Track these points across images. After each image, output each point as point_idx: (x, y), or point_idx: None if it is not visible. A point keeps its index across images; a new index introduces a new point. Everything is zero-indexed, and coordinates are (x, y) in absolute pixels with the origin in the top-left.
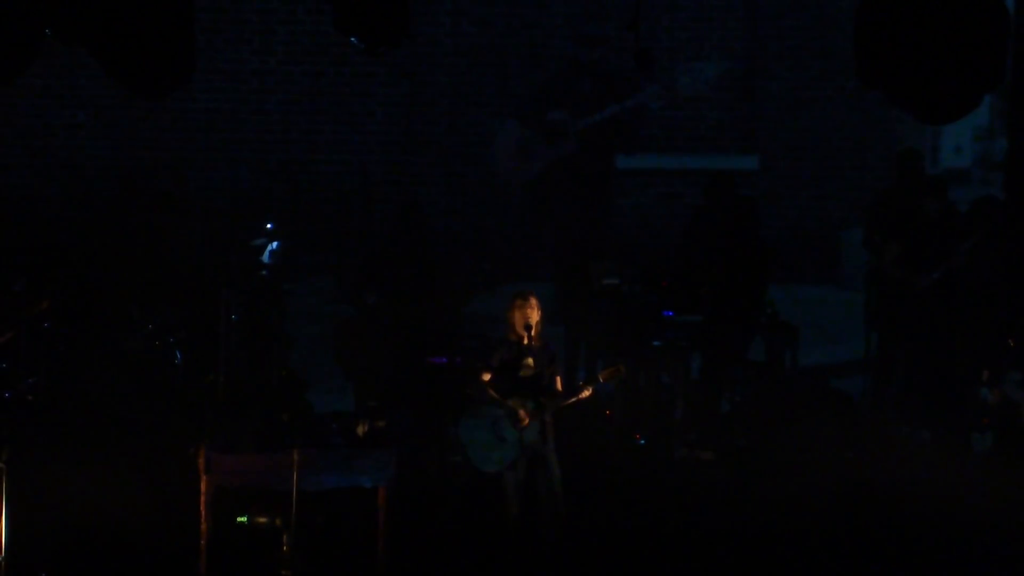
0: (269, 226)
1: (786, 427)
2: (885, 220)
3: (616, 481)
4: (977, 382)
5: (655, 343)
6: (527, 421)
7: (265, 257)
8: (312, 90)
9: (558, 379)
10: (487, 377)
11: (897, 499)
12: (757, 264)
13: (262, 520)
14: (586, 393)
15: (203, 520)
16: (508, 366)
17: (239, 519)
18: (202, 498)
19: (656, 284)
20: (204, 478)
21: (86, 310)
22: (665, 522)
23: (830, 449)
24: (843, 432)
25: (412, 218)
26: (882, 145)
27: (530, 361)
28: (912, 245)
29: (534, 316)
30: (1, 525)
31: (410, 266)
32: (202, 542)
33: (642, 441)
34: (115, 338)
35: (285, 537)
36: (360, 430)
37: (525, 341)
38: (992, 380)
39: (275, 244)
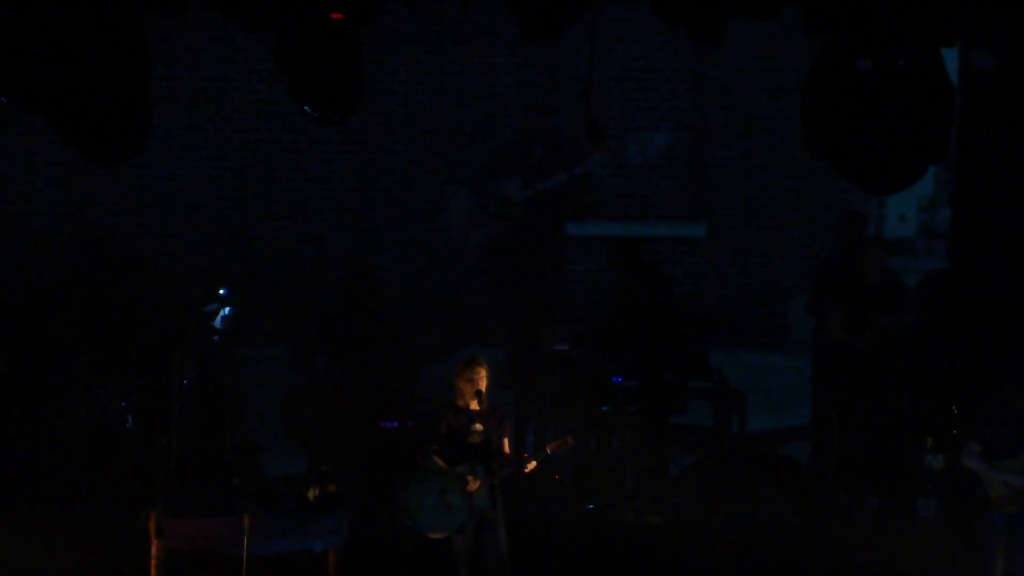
0: (222, 292)
1: (734, 492)
2: (829, 285)
3: (566, 546)
4: (922, 449)
5: (604, 408)
6: (475, 487)
7: (218, 322)
8: (266, 157)
9: (506, 442)
10: (435, 446)
11: (845, 565)
12: (670, 328)
13: None
14: (531, 465)
15: None
16: (457, 432)
17: None
18: (153, 562)
19: (606, 350)
20: (156, 542)
21: (38, 374)
22: None
23: (777, 514)
24: (790, 497)
25: (358, 282)
26: (829, 214)
27: (479, 427)
28: (853, 310)
29: (482, 383)
30: None
31: (360, 331)
32: None
33: (592, 506)
34: (67, 402)
35: None
36: (311, 494)
37: (474, 406)
38: (937, 447)
39: (228, 310)
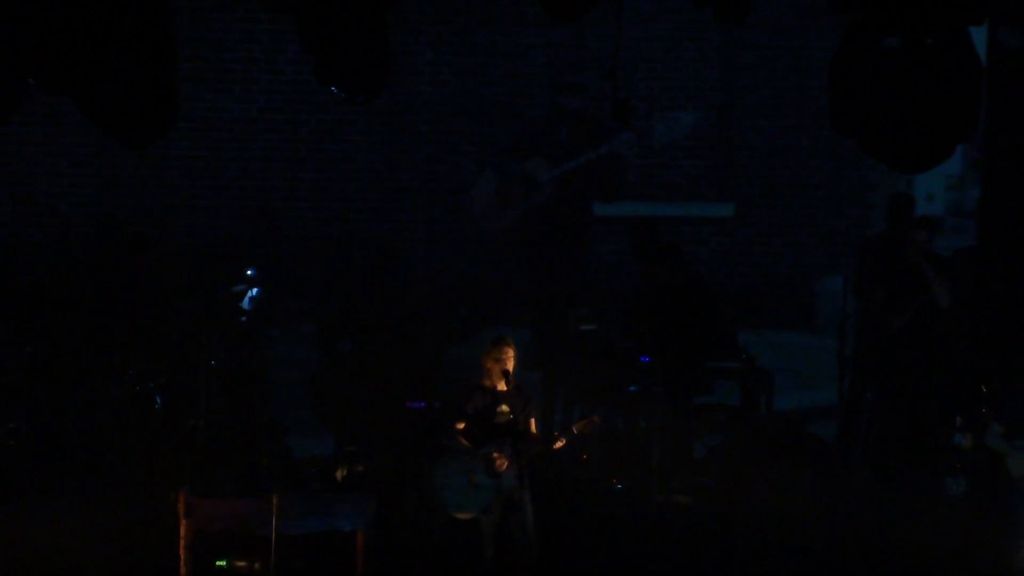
0: (250, 272)
1: (760, 472)
2: (874, 265)
3: (593, 526)
4: (951, 428)
5: (632, 388)
6: (504, 466)
7: (246, 303)
8: (292, 138)
9: (533, 423)
10: (461, 426)
11: (873, 544)
12: (692, 308)
13: (242, 564)
14: (559, 444)
15: (183, 564)
16: (483, 412)
17: (219, 563)
18: (182, 542)
19: (632, 330)
20: (184, 522)
21: (67, 355)
22: (642, 567)
23: (804, 494)
24: (817, 477)
25: (386, 263)
26: (855, 193)
27: (505, 408)
28: (896, 289)
29: (510, 363)
30: None
31: (386, 312)
32: None
33: (619, 486)
34: (96, 383)
35: None
36: (339, 474)
37: (501, 387)
38: (966, 426)
39: (256, 290)
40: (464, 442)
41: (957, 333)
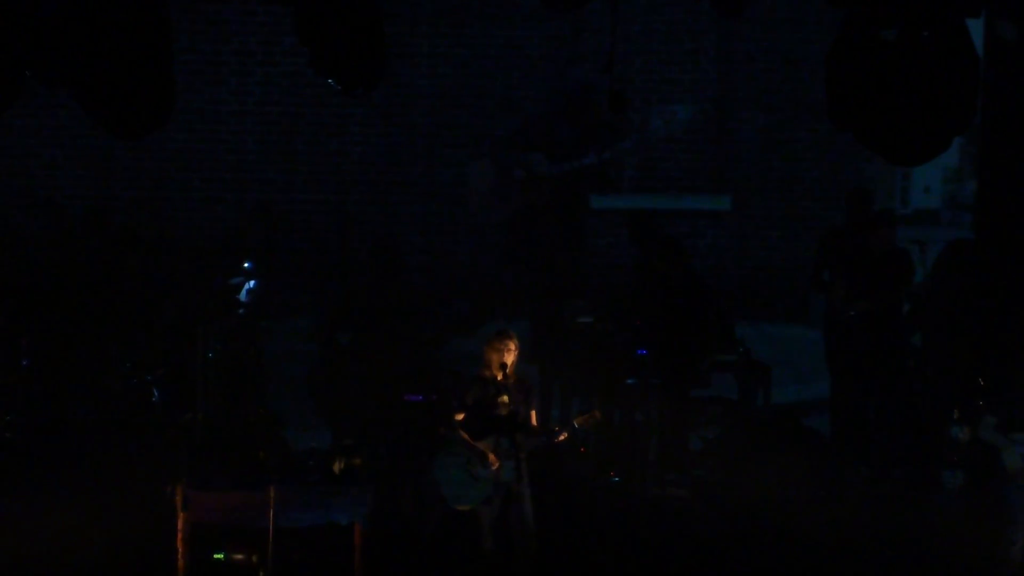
0: (247, 265)
1: (757, 465)
2: (833, 259)
3: (590, 518)
4: (948, 420)
5: (629, 381)
6: (497, 465)
7: (242, 296)
8: (289, 130)
9: (533, 415)
10: (460, 417)
11: (869, 537)
12: (689, 301)
13: (239, 557)
14: (561, 438)
15: (180, 557)
16: (483, 404)
17: (216, 556)
18: (179, 535)
19: (629, 323)
20: (181, 515)
21: (64, 348)
22: (638, 560)
23: (802, 486)
24: (813, 470)
25: (386, 257)
26: (852, 186)
27: (505, 399)
28: (858, 283)
29: (511, 356)
30: None
31: (385, 305)
32: None
33: (616, 479)
34: (93, 376)
35: (262, 574)
36: (336, 467)
37: (500, 379)
38: (963, 419)
39: (252, 283)
40: (463, 434)
41: (951, 323)
